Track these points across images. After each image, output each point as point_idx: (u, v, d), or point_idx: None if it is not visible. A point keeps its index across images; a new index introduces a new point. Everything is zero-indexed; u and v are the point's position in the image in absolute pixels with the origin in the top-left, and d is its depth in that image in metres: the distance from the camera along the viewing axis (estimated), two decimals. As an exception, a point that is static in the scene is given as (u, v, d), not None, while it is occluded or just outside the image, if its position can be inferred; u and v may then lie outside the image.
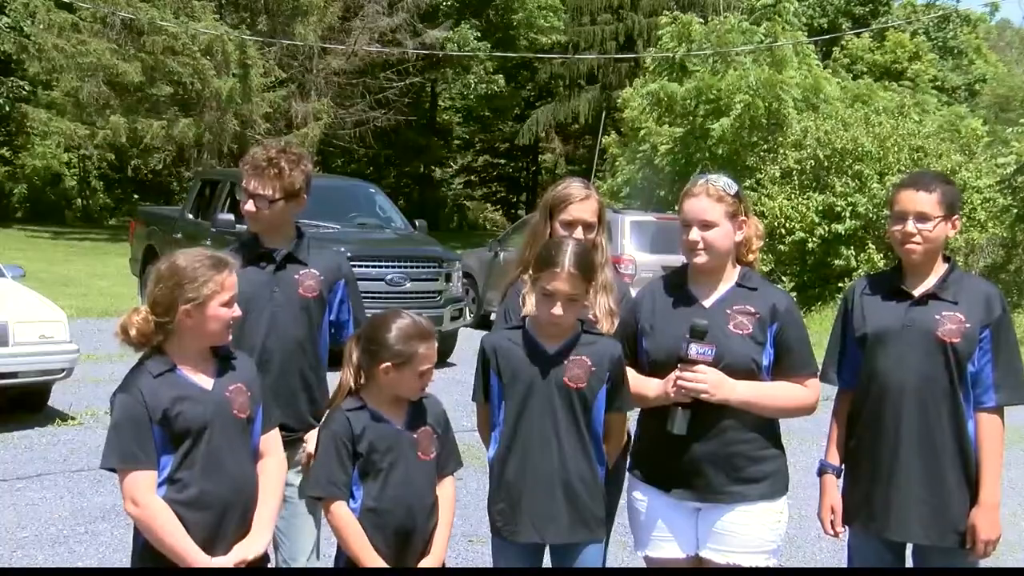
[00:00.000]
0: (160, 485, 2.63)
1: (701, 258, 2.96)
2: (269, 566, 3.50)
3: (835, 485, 3.17)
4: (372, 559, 2.76)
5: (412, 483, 2.83)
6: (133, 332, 2.67)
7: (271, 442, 2.90)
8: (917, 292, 3.03)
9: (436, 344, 2.90)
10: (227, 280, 2.73)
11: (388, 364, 2.80)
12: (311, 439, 3.39)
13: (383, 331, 2.83)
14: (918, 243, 3.00)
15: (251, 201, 3.39)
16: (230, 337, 2.82)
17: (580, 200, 3.28)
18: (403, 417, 2.88)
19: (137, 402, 2.61)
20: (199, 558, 2.62)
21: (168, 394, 2.64)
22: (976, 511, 2.95)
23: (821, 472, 3.21)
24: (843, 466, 3.18)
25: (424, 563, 2.85)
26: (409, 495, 2.83)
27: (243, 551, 2.71)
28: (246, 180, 3.40)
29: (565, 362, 2.92)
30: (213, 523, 2.67)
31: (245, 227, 3.62)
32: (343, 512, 2.78)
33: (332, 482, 2.80)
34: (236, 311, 2.78)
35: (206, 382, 2.74)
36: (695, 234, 2.95)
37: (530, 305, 3.11)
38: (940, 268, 3.07)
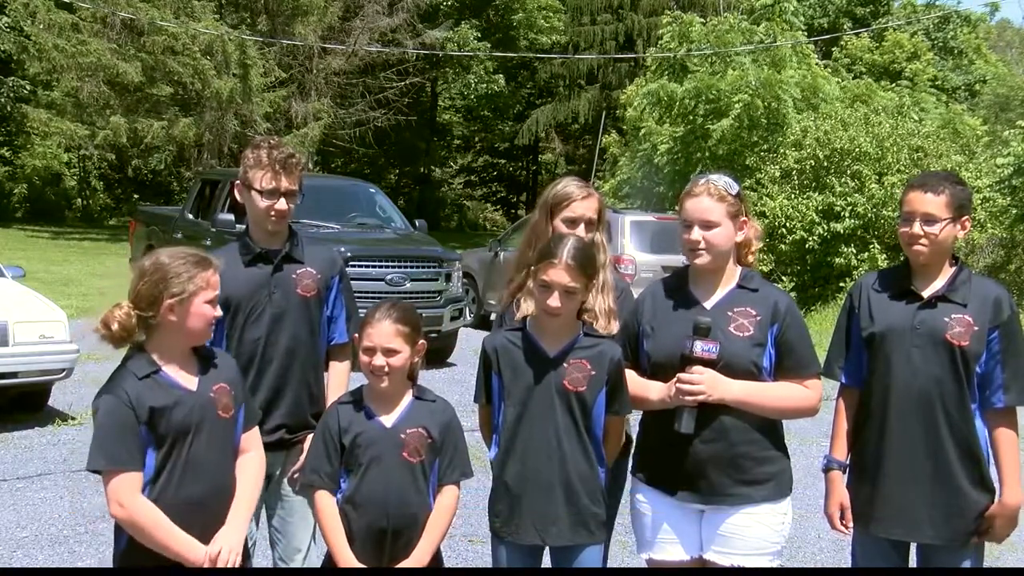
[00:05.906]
0: (144, 486, 2.60)
1: (702, 259, 2.95)
2: (268, 566, 3.50)
3: (842, 481, 3.16)
4: (343, 551, 2.79)
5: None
6: (115, 327, 2.62)
7: (251, 439, 2.88)
8: (926, 293, 3.03)
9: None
10: (212, 278, 2.70)
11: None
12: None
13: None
14: (924, 245, 3.00)
15: (283, 199, 3.31)
16: (211, 336, 2.79)
17: (582, 198, 3.29)
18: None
19: (123, 404, 2.57)
20: (192, 547, 2.60)
21: (154, 397, 2.61)
22: (997, 507, 2.97)
23: (827, 469, 3.19)
24: (848, 463, 3.17)
25: (404, 564, 2.81)
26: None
27: (218, 544, 2.67)
28: (270, 178, 3.28)
29: (565, 365, 2.92)
30: (193, 523, 2.64)
31: (243, 227, 3.59)
32: (325, 503, 2.86)
33: (315, 471, 2.89)
34: (218, 311, 2.75)
35: (190, 382, 2.71)
36: (696, 233, 2.94)
37: (524, 309, 3.10)
38: (948, 269, 3.06)
